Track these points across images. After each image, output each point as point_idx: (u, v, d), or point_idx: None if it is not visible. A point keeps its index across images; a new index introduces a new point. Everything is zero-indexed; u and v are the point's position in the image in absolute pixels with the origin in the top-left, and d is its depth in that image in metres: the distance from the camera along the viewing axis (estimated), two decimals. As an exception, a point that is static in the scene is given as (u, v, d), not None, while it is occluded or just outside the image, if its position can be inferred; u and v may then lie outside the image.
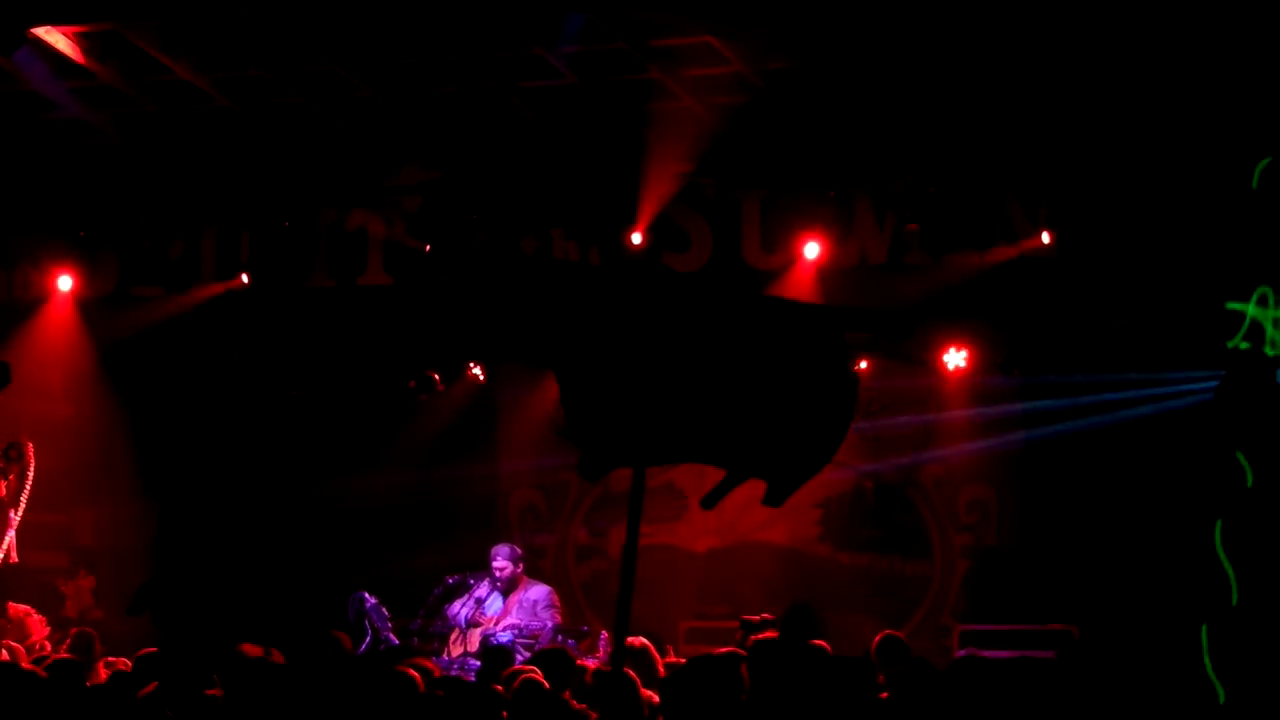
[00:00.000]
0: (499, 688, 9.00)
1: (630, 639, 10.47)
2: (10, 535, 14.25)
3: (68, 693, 8.58)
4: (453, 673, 11.62)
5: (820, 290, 14.42)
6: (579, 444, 6.96)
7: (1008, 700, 7.69)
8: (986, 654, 10.09)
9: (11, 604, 13.31)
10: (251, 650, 9.60)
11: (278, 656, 9.52)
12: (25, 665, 10.11)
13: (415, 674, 8.58)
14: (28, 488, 14.49)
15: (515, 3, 12.93)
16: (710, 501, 7.13)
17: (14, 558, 14.44)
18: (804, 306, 7.68)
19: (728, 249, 14.64)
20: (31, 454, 14.56)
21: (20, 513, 14.45)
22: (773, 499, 6.95)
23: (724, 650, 9.84)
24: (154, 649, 10.23)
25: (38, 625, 13.04)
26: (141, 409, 16.57)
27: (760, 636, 10.46)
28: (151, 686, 8.82)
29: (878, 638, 11.35)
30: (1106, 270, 13.75)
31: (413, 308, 15.02)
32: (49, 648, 12.52)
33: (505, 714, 8.21)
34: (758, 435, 6.86)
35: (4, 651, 11.55)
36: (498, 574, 13.70)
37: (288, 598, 14.82)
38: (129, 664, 10.44)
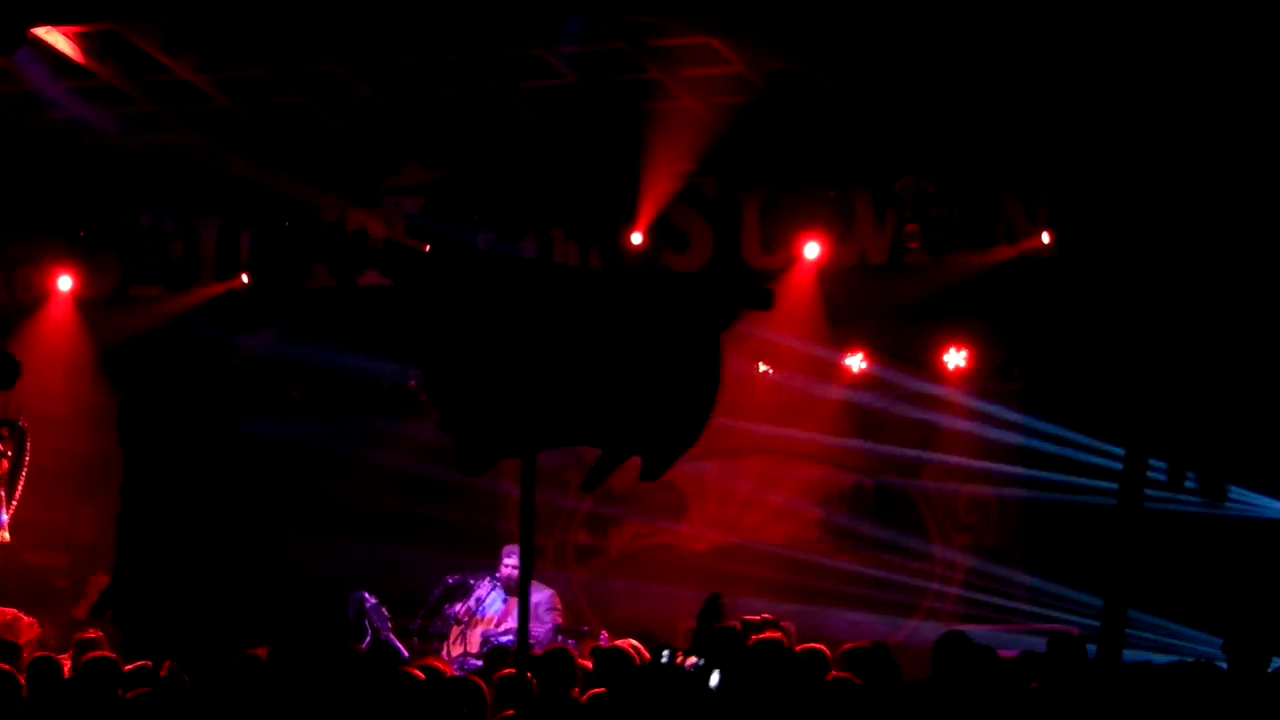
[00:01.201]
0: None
1: (621, 641, 10.50)
2: (6, 515, 14.20)
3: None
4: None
5: (820, 290, 14.44)
6: (456, 440, 6.98)
7: (1012, 697, 7.71)
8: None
9: None
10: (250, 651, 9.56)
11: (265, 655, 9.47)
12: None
13: (419, 673, 8.57)
14: (25, 468, 14.44)
15: (515, 3, 12.93)
16: (590, 484, 7.17)
17: (5, 538, 14.38)
18: (662, 278, 7.84)
19: (728, 249, 14.64)
20: (27, 431, 14.50)
21: (18, 493, 14.41)
22: (649, 473, 7.03)
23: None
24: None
25: (27, 628, 12.97)
26: (141, 409, 16.54)
27: (761, 637, 10.45)
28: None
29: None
30: (1106, 270, 13.75)
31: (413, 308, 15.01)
32: (34, 648, 12.46)
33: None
34: (631, 413, 6.92)
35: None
36: (508, 570, 13.64)
37: (283, 599, 14.80)
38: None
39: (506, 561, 13.72)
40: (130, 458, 8.73)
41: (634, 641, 10.66)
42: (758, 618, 11.24)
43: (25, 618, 12.98)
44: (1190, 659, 9.38)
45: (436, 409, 7.08)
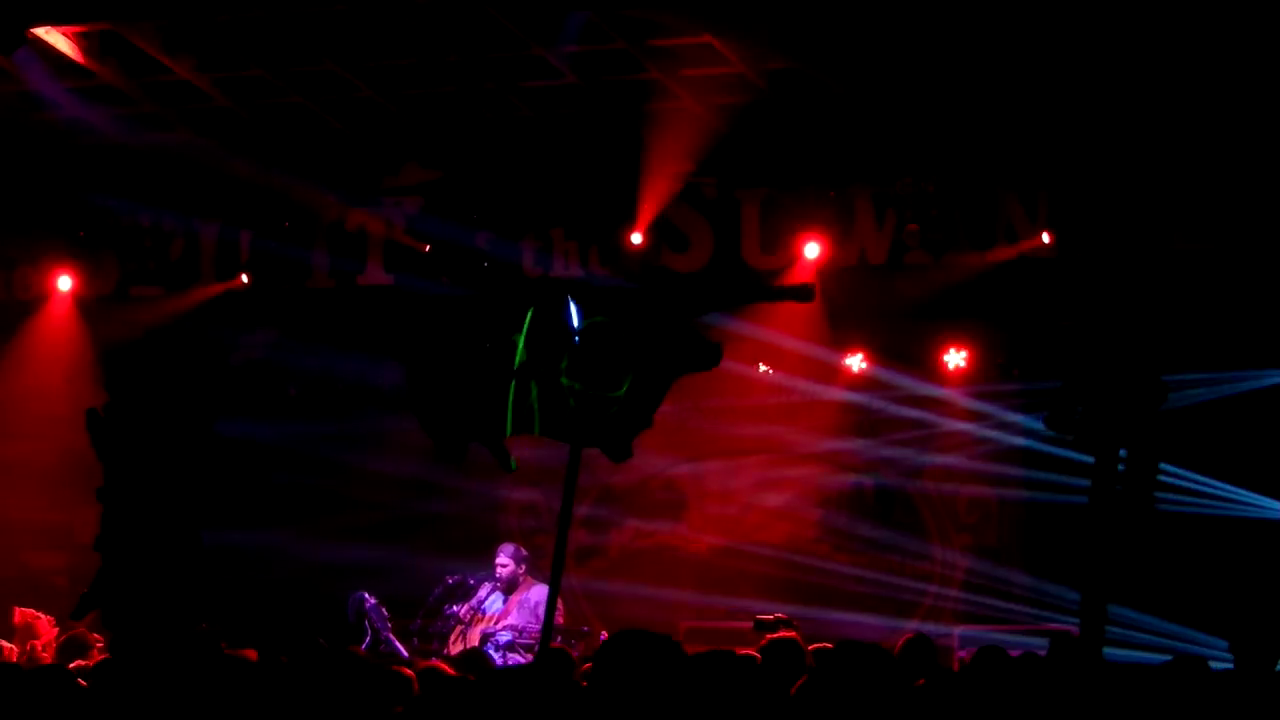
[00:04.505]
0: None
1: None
2: None
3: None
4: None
5: (820, 290, 14.43)
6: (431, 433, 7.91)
7: (1015, 699, 7.69)
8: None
9: (17, 608, 13.26)
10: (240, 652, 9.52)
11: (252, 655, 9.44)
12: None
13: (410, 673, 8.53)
14: None
15: (515, 3, 12.93)
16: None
17: None
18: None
19: (728, 249, 14.65)
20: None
21: None
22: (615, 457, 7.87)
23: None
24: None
25: (45, 627, 13.01)
26: (140, 408, 16.54)
27: (775, 636, 10.42)
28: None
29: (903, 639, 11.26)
30: (1107, 270, 13.75)
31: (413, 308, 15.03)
32: (54, 648, 12.48)
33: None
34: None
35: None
36: (500, 570, 13.67)
37: (282, 600, 14.80)
38: None
39: (499, 560, 13.76)
40: (111, 461, 8.82)
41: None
42: (771, 617, 11.24)
43: (44, 617, 13.01)
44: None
45: (413, 405, 7.63)
